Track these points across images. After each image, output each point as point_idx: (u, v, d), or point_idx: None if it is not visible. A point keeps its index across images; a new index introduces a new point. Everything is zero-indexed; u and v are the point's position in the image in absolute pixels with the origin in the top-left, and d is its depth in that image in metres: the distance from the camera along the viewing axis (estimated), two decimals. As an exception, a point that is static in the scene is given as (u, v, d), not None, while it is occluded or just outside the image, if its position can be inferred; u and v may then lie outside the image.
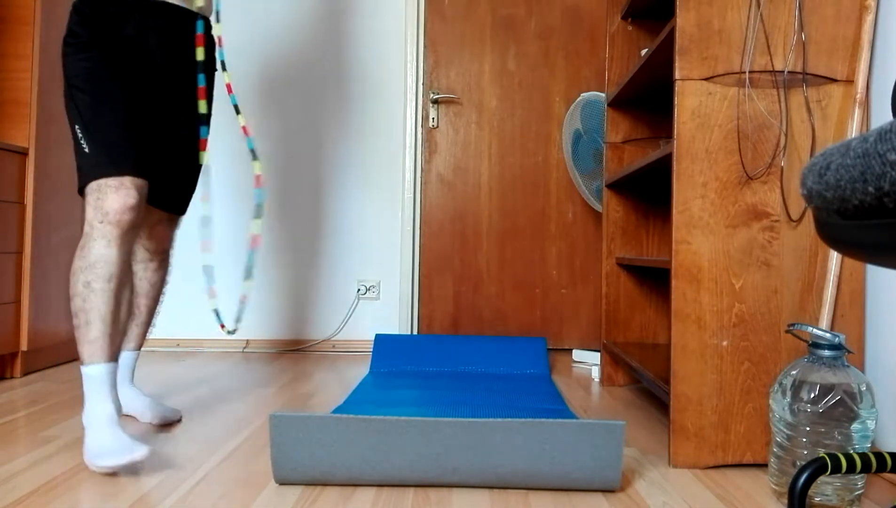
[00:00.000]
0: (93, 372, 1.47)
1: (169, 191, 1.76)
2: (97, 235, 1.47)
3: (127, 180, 1.50)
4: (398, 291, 3.15)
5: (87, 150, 1.51)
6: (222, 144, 3.19)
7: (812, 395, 1.26)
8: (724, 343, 1.50)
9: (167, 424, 1.80)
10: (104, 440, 1.40)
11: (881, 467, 1.14)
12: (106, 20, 1.59)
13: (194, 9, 1.70)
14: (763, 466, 1.50)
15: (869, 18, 1.50)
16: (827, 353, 1.28)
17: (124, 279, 1.52)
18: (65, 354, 2.74)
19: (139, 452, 1.34)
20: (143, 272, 1.81)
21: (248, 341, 3.14)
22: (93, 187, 1.49)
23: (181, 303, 3.16)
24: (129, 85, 1.61)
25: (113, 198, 1.47)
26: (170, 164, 1.73)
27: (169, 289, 3.17)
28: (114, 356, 1.51)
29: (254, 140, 1.71)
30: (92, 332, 1.47)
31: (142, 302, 1.82)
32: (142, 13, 1.62)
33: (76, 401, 2.05)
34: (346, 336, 3.14)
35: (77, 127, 1.53)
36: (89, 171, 1.50)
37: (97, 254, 1.47)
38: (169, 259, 1.86)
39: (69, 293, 1.50)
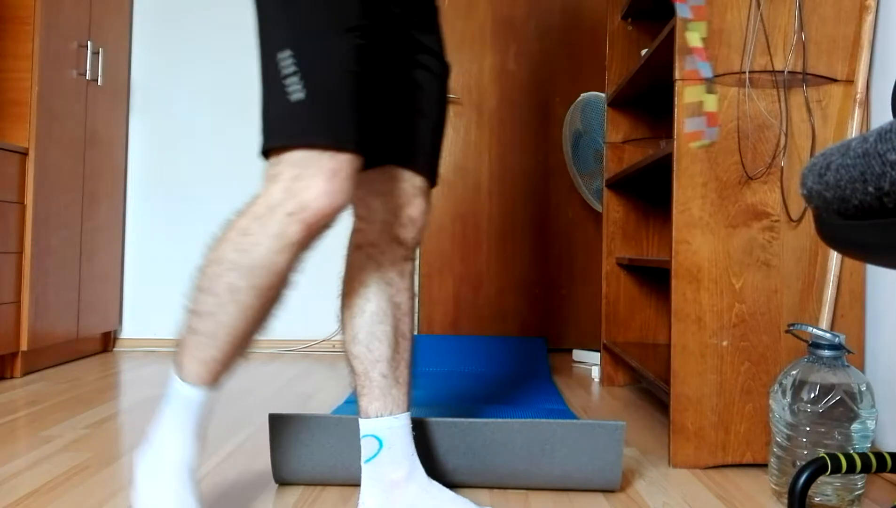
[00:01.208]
0: (190, 395, 1.06)
1: (421, 146, 1.19)
2: (274, 229, 0.97)
3: (346, 163, 0.98)
4: (398, 291, 3.15)
5: (301, 94, 0.96)
6: (230, 136, 3.18)
7: (812, 395, 1.26)
8: (724, 343, 1.50)
9: None
10: (166, 498, 1.05)
11: (881, 467, 1.14)
12: None
13: None
14: (763, 466, 1.50)
15: (869, 18, 1.50)
16: (827, 353, 1.28)
17: (282, 294, 1.11)
18: (65, 354, 2.74)
19: None
20: (399, 281, 1.21)
21: (248, 341, 3.14)
22: (295, 159, 0.96)
23: (181, 303, 3.16)
24: None
25: (322, 188, 0.96)
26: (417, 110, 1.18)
27: (169, 288, 3.17)
28: (220, 381, 1.09)
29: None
30: (211, 351, 1.04)
31: (405, 330, 1.22)
32: None
33: (76, 401, 2.05)
34: (346, 336, 3.14)
35: (289, 51, 0.97)
36: (297, 130, 0.97)
37: (265, 257, 0.99)
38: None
39: (199, 282, 1.04)
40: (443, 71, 1.21)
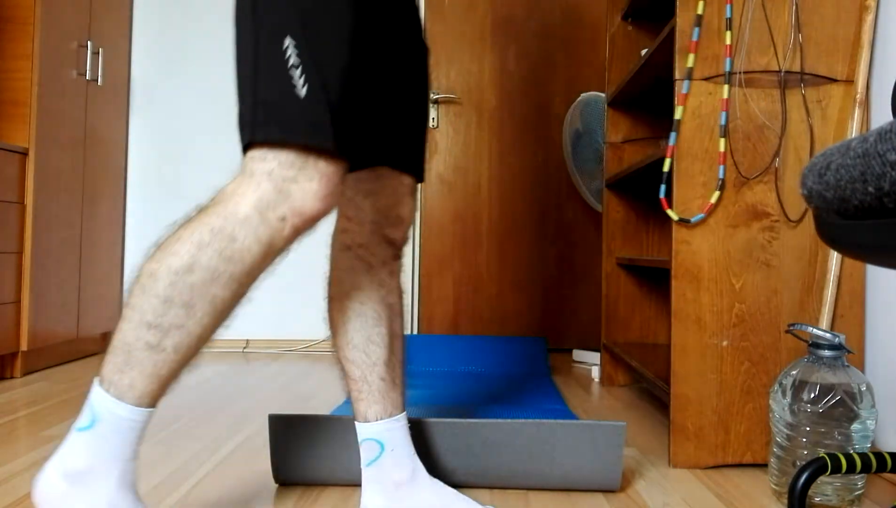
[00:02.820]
0: (133, 418, 0.91)
1: (409, 144, 1.17)
2: (266, 235, 0.90)
3: (340, 168, 0.93)
4: (398, 291, 3.15)
5: (301, 92, 0.89)
6: (225, 151, 3.18)
7: (812, 395, 1.26)
8: (724, 343, 1.50)
9: None
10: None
11: (881, 467, 1.14)
12: None
13: None
14: (763, 466, 1.50)
15: (869, 18, 1.50)
16: (827, 353, 1.28)
17: None
18: (65, 354, 2.74)
19: None
20: (389, 281, 1.18)
21: (248, 341, 3.14)
22: (289, 158, 0.89)
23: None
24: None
25: (319, 193, 0.90)
26: (405, 105, 1.16)
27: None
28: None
29: None
30: (173, 366, 0.91)
31: (398, 330, 1.20)
32: None
33: (76, 401, 2.05)
34: (346, 336, 3.14)
35: (292, 40, 0.89)
36: (299, 126, 0.89)
37: (254, 265, 0.91)
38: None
39: (164, 292, 0.89)
40: (425, 55, 1.18)
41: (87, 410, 0.91)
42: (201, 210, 0.91)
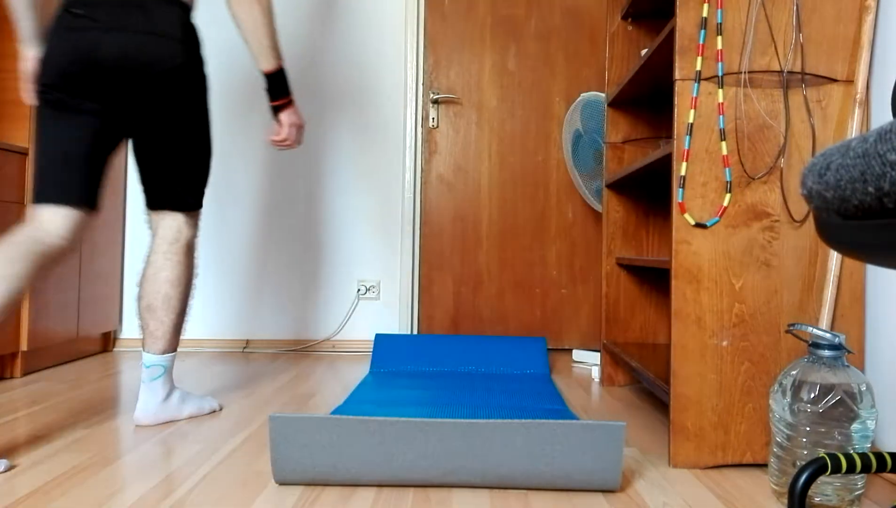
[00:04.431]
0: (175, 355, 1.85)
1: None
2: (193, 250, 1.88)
3: None
4: (398, 291, 3.15)
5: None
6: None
7: (812, 395, 1.26)
8: (724, 343, 1.50)
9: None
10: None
11: (881, 467, 1.14)
12: None
13: None
14: (763, 466, 1.50)
15: (869, 18, 1.50)
16: (827, 353, 1.28)
17: None
18: (65, 354, 2.74)
19: None
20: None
21: (248, 341, 3.14)
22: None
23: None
24: None
25: None
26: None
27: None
28: None
29: None
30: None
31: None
32: None
33: (76, 401, 2.05)
34: (346, 336, 3.14)
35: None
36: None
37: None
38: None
39: (187, 291, 1.83)
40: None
41: (156, 367, 1.78)
42: (191, 247, 1.85)
